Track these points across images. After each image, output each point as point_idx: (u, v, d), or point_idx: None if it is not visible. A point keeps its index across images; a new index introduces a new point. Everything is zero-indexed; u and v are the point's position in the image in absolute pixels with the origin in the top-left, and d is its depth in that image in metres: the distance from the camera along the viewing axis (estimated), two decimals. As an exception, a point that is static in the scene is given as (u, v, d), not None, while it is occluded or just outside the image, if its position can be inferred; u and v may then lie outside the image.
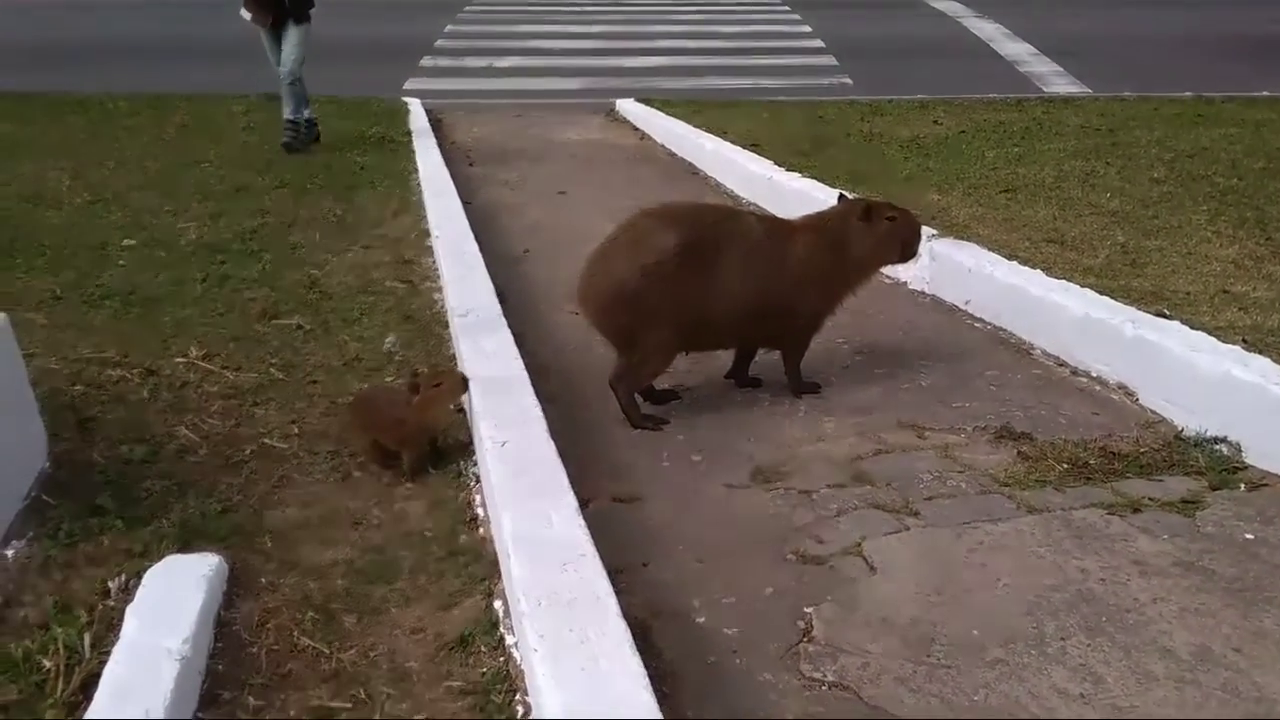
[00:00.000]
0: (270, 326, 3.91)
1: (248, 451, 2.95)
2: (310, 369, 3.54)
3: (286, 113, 7.22)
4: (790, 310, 3.31)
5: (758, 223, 3.39)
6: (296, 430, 3.09)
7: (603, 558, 2.20)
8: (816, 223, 3.42)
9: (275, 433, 3.07)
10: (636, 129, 8.45)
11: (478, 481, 2.78)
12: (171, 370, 3.47)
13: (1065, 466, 2.86)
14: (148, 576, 2.20)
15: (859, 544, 2.51)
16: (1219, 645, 2.13)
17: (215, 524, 2.55)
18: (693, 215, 3.29)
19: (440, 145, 7.35)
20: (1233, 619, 2.22)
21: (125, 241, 4.94)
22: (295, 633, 2.17)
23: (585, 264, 3.27)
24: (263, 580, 2.36)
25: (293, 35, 7.08)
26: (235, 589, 2.31)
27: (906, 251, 3.50)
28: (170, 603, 2.11)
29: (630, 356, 3.21)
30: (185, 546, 2.42)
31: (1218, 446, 2.93)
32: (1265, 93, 8.98)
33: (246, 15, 7.01)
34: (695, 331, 3.22)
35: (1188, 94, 8.89)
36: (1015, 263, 4.13)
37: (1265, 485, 2.77)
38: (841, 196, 3.57)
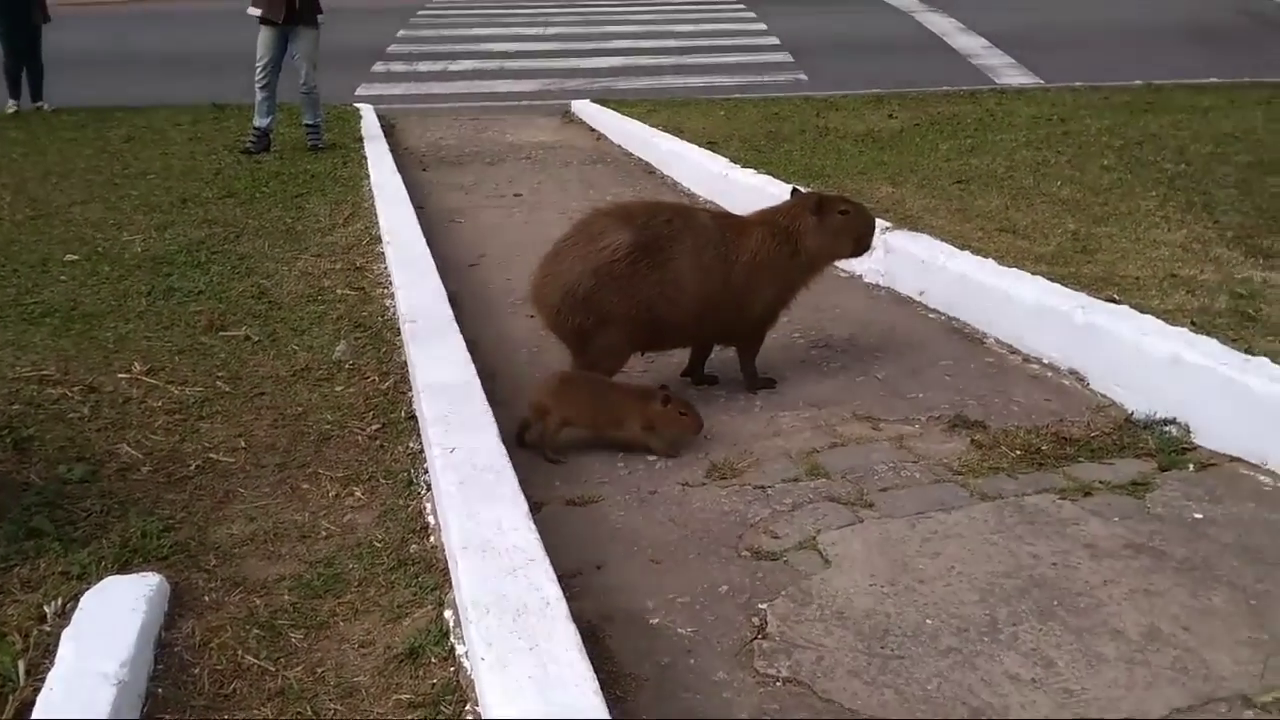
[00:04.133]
0: (217, 339, 3.83)
1: (192, 467, 2.89)
2: (258, 380, 3.47)
3: (260, 121, 7.23)
4: (744, 305, 3.30)
5: (710, 219, 3.37)
6: (243, 444, 3.03)
7: (556, 562, 2.18)
8: (769, 217, 3.41)
9: (221, 447, 3.01)
10: (593, 130, 8.42)
11: (429, 490, 2.74)
12: (114, 386, 3.39)
13: (1018, 453, 2.87)
14: (85, 599, 2.14)
15: (813, 538, 2.49)
16: (1168, 625, 2.14)
17: (157, 543, 2.48)
18: (645, 213, 3.26)
19: (393, 151, 7.27)
20: (1182, 598, 2.23)
21: (67, 257, 4.82)
22: (239, 651, 2.12)
23: (538, 265, 3.24)
24: (206, 599, 2.30)
25: (306, 40, 7.14)
26: (177, 609, 2.25)
27: (860, 245, 3.50)
28: (108, 625, 2.05)
29: (584, 357, 3.18)
30: (125, 567, 2.36)
31: (1167, 428, 2.96)
32: (1213, 79, 9.13)
33: (255, 11, 7.00)
34: (650, 330, 3.20)
35: (1137, 82, 9.02)
36: (968, 253, 4.14)
37: (1213, 465, 2.79)
38: (795, 191, 3.56)
